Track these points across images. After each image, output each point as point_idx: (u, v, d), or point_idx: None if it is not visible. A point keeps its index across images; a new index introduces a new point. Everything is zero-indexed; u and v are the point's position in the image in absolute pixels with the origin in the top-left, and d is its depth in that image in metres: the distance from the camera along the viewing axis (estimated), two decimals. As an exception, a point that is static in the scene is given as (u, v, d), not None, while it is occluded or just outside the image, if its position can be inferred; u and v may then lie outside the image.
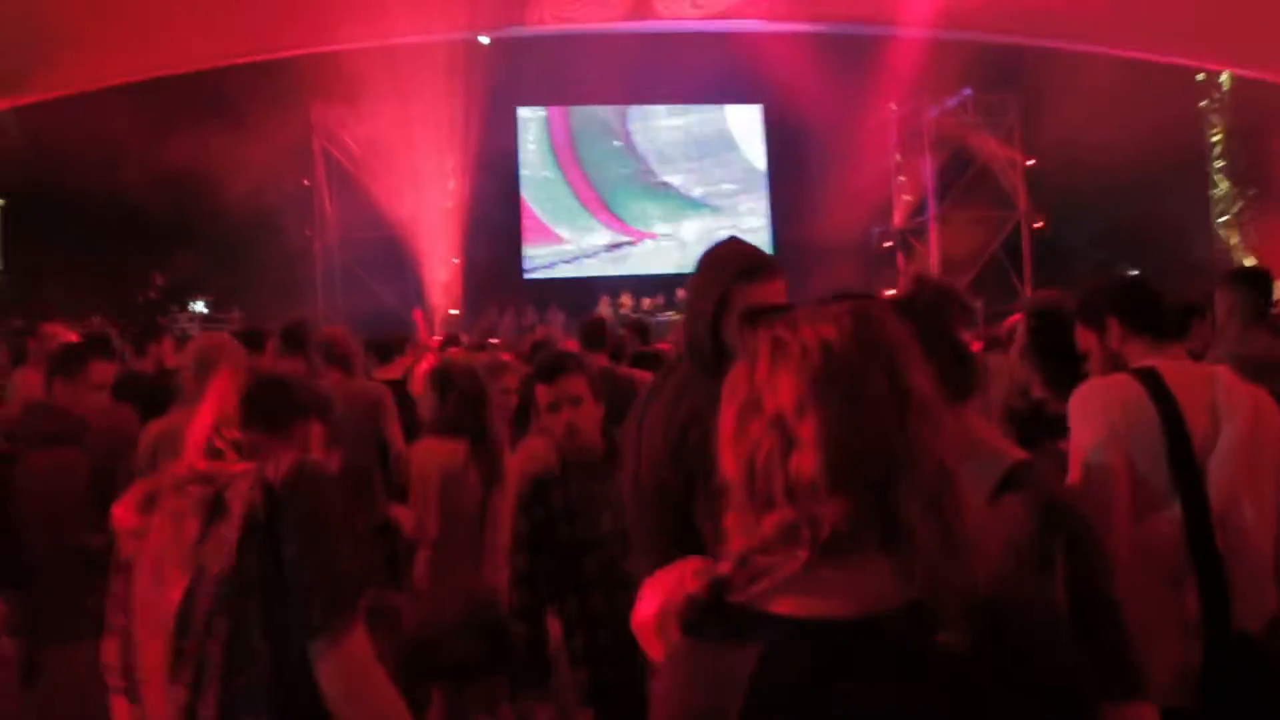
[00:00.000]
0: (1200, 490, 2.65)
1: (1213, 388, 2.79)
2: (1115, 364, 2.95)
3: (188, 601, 2.04)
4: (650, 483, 2.56)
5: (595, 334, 7.35)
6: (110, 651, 2.27)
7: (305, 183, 21.41)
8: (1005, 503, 1.81)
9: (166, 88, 17.22)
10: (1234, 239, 22.23)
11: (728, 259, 2.68)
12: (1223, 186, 22.39)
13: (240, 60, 17.34)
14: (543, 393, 3.60)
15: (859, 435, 1.25)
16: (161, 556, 2.12)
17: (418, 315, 9.71)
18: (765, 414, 1.29)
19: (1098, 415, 2.74)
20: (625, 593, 3.21)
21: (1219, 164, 22.91)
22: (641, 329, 9.92)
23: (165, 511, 2.14)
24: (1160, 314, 2.98)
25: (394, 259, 21.25)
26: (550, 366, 3.64)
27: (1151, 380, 2.77)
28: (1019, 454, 1.94)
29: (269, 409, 2.27)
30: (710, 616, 1.29)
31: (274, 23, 16.30)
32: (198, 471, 2.14)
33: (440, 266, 21.42)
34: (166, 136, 16.20)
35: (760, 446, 1.28)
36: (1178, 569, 2.64)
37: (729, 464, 1.32)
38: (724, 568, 1.30)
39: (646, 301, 21.86)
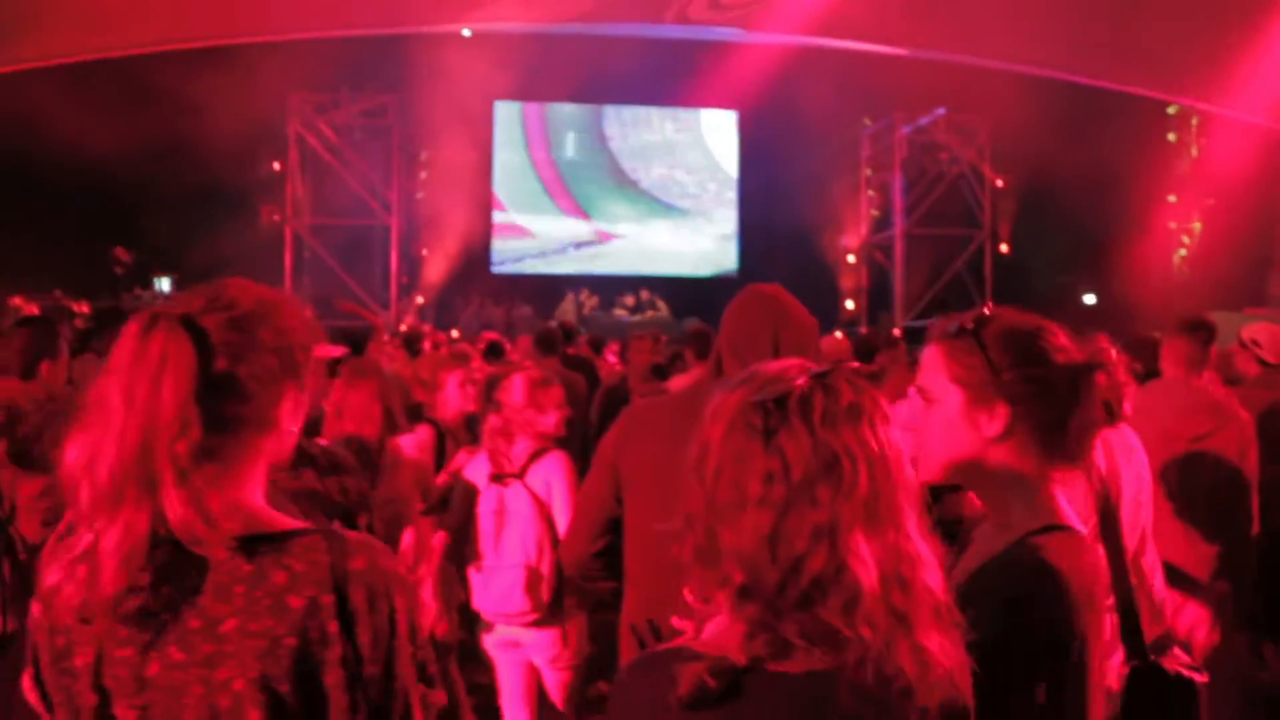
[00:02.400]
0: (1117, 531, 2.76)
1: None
2: None
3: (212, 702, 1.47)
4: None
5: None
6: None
7: (278, 166, 21.43)
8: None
9: (143, 64, 17.19)
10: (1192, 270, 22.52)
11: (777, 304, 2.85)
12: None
13: (220, 43, 17.33)
14: None
15: (896, 559, 1.28)
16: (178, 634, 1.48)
17: (349, 308, 9.45)
18: (809, 521, 1.26)
19: None
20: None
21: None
22: (569, 333, 10.19)
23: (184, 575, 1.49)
24: None
25: (363, 247, 21.33)
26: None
27: None
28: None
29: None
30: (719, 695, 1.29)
31: (257, 7, 16.31)
32: (237, 534, 1.50)
33: (409, 257, 21.54)
34: (140, 112, 16.21)
35: (811, 555, 1.26)
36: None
37: (759, 553, 1.28)
38: (739, 658, 1.30)
39: (631, 299, 22.04)
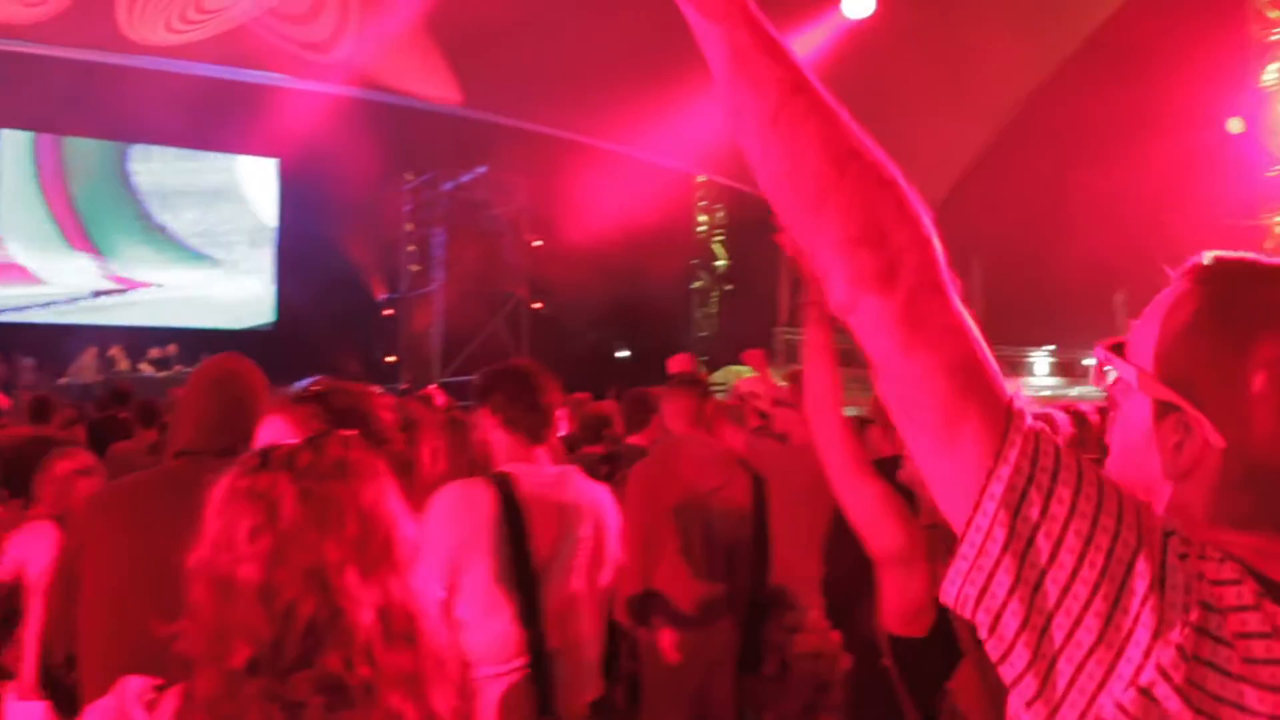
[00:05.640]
0: (536, 596, 2.84)
1: (563, 491, 3.02)
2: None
3: None
4: None
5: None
6: None
7: None
8: None
9: None
10: (710, 329, 24.28)
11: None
12: (706, 280, 24.41)
13: None
14: None
15: (401, 611, 1.32)
16: None
17: None
18: (299, 566, 1.26)
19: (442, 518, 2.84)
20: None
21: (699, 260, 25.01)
22: (120, 393, 9.29)
23: None
24: (535, 411, 3.10)
25: None
26: None
27: (503, 487, 2.92)
28: None
29: None
30: None
31: None
32: None
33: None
34: None
35: (303, 600, 1.25)
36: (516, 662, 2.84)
37: (253, 609, 1.26)
38: None
39: (158, 353, 20.48)
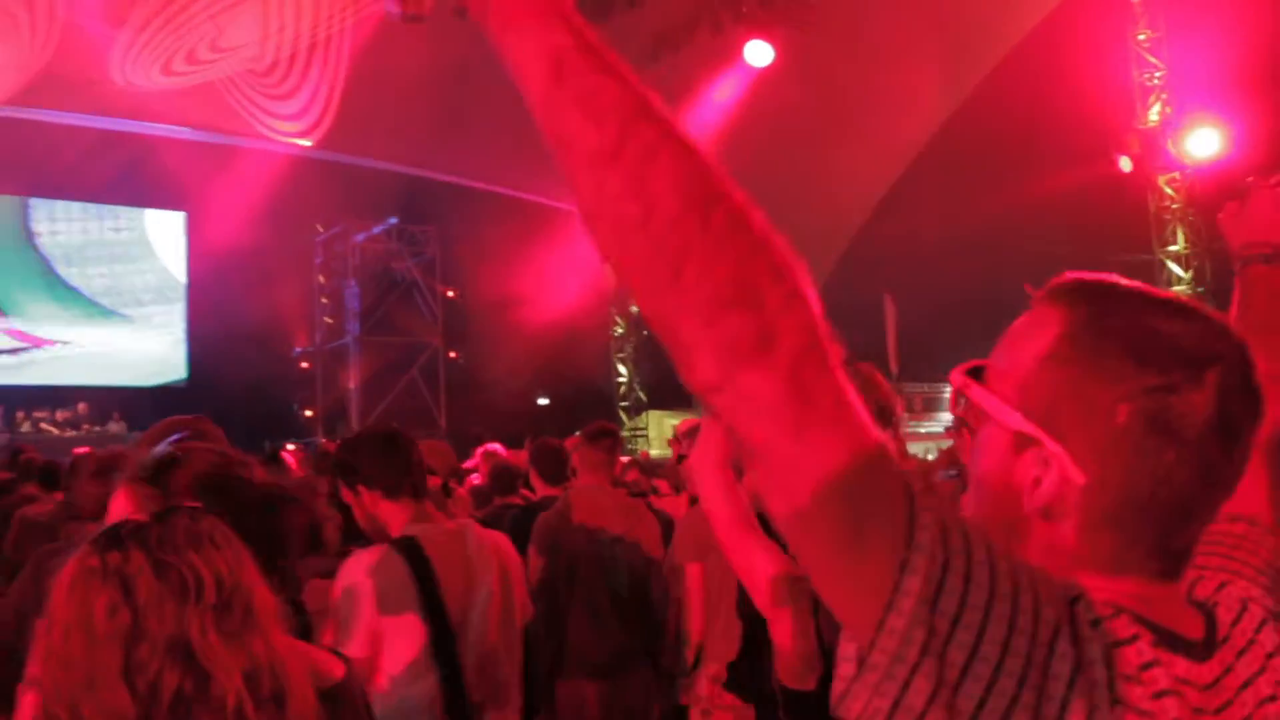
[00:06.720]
0: (455, 654, 2.87)
1: (465, 545, 3.04)
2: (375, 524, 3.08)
3: None
4: None
5: None
6: None
7: None
8: None
9: None
10: (630, 374, 24.30)
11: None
12: (624, 325, 24.43)
13: None
14: None
15: (268, 672, 1.32)
16: None
17: None
18: (160, 639, 1.25)
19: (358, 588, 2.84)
20: None
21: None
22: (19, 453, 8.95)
23: None
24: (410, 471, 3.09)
25: None
26: None
27: (411, 551, 2.91)
28: None
29: None
30: None
31: None
32: None
33: None
34: None
35: (167, 672, 1.25)
36: None
37: (117, 691, 1.25)
38: None
39: (67, 414, 19.88)
